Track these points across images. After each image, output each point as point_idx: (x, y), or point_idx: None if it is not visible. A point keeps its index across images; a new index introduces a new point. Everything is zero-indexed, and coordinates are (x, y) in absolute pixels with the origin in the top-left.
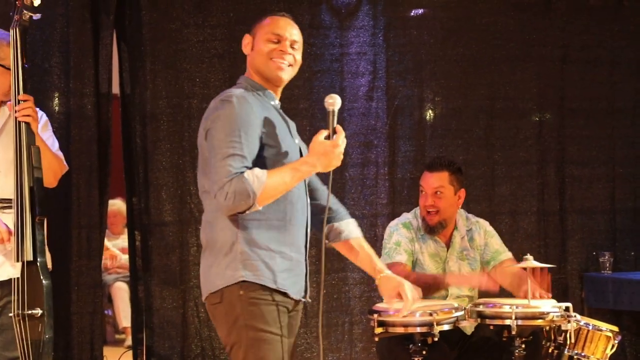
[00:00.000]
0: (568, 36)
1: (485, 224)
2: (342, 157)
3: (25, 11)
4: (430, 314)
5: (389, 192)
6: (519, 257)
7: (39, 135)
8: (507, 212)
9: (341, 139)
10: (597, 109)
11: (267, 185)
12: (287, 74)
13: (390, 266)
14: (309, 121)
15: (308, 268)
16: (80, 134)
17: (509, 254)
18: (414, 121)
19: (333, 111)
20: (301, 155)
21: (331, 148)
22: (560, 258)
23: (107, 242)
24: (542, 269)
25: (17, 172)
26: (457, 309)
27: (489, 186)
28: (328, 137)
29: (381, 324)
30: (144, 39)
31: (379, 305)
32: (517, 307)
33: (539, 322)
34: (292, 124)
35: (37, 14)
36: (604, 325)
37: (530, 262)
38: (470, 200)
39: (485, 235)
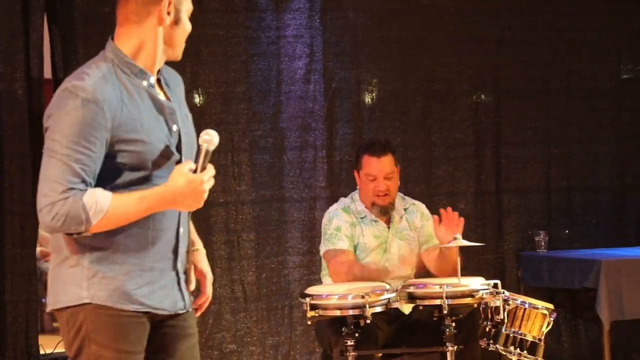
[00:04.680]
0: (504, 18)
1: (422, 206)
2: (205, 197)
3: None
4: (363, 297)
5: (327, 175)
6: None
7: None
8: (445, 193)
9: (208, 176)
10: (532, 90)
11: (107, 215)
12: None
13: (333, 254)
14: (247, 105)
15: (182, 276)
16: (12, 119)
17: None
18: (352, 104)
19: (207, 151)
20: (180, 144)
21: (196, 183)
22: (497, 238)
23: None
24: (452, 214)
25: None
26: (389, 291)
27: (426, 168)
28: (195, 172)
29: (314, 307)
30: (77, 22)
31: (312, 289)
32: (447, 287)
33: (469, 300)
34: (173, 107)
35: None
36: (539, 303)
37: (460, 241)
38: (409, 181)
39: (422, 217)
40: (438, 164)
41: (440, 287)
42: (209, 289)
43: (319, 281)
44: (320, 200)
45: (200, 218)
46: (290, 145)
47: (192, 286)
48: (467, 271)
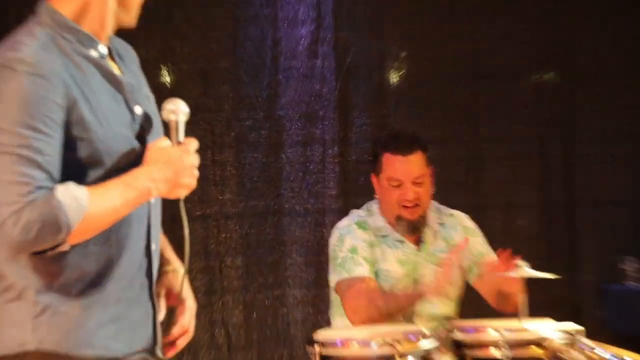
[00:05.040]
0: None
1: (463, 217)
2: (196, 175)
3: None
4: (391, 345)
5: (339, 180)
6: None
7: None
8: (497, 205)
9: (192, 146)
10: (618, 69)
11: (88, 216)
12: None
13: (349, 283)
14: (232, 85)
15: (156, 309)
16: None
17: (496, 259)
18: (373, 85)
19: (177, 123)
20: (144, 131)
21: (179, 154)
22: (570, 265)
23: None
24: (511, 256)
25: None
26: (427, 337)
27: (472, 171)
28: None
29: (325, 359)
30: None
31: (322, 333)
32: (506, 333)
33: (536, 350)
34: (131, 83)
35: None
36: (628, 355)
37: (523, 270)
38: (447, 190)
39: (465, 232)
40: (488, 166)
41: (498, 332)
42: (187, 320)
43: (329, 322)
44: (330, 213)
45: (167, 237)
46: (291, 141)
47: (161, 316)
48: (532, 310)
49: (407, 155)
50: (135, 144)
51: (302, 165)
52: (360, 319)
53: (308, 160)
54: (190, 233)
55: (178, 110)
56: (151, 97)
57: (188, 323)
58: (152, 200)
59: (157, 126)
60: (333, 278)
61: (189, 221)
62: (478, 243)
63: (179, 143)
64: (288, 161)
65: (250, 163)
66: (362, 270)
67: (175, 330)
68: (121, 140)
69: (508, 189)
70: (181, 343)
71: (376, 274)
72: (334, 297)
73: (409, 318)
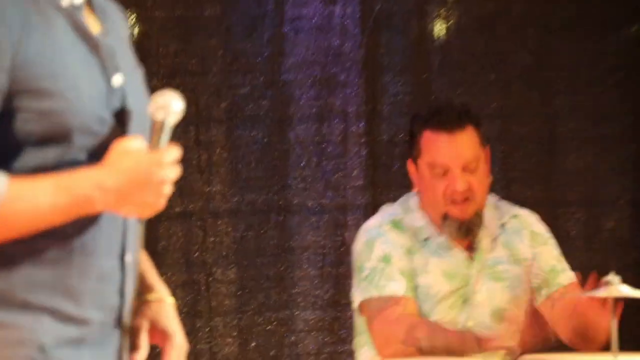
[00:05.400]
0: None
1: (530, 219)
2: (166, 193)
3: None
4: None
5: (366, 166)
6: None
7: None
8: (577, 201)
9: (171, 157)
10: None
11: (2, 210)
12: None
13: (380, 305)
14: (221, 40)
15: (126, 340)
16: None
17: (573, 276)
18: (410, 41)
19: (163, 124)
20: (125, 110)
21: (148, 164)
22: None
23: None
24: (617, 300)
25: None
26: None
27: (545, 156)
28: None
29: None
30: None
31: None
32: None
33: None
34: (112, 46)
35: None
36: None
37: (617, 287)
38: (512, 180)
39: (533, 239)
40: (566, 149)
41: None
42: None
43: (351, 355)
44: (354, 211)
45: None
46: (302, 114)
47: (142, 356)
48: (624, 343)
49: (455, 133)
50: (109, 125)
51: (316, 147)
52: (393, 354)
53: (324, 140)
54: (166, 236)
55: (168, 108)
56: (139, 69)
57: None
58: None
59: (144, 105)
60: (358, 297)
61: (165, 221)
62: (550, 255)
63: (156, 148)
64: (297, 141)
65: (246, 144)
66: (397, 286)
67: None
68: (89, 116)
69: (591, 181)
70: None
71: (414, 290)
72: (359, 322)
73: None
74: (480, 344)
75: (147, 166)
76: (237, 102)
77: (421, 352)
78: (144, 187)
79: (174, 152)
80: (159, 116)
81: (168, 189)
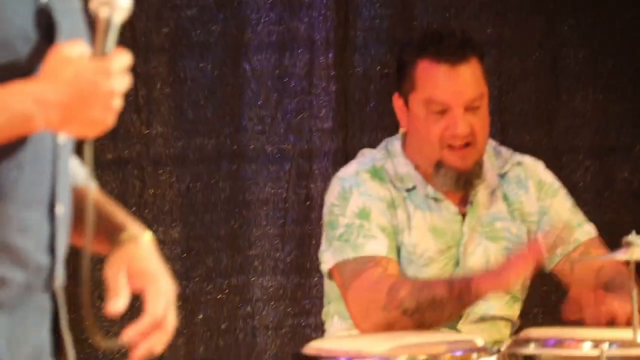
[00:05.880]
0: None
1: (536, 167)
2: (115, 107)
3: None
4: None
5: (336, 104)
6: (613, 239)
7: None
8: (587, 147)
9: (118, 64)
10: None
11: None
12: None
13: (357, 267)
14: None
15: (63, 307)
16: None
17: (592, 231)
18: None
19: (109, 22)
20: (53, 26)
21: (93, 72)
22: None
23: None
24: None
25: None
26: (482, 351)
27: (548, 96)
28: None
29: None
30: None
31: (316, 345)
32: (609, 347)
33: None
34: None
35: None
36: None
37: (637, 250)
38: (512, 124)
39: (540, 190)
40: (572, 87)
41: (597, 347)
42: (156, 306)
43: (320, 328)
44: (320, 158)
45: None
46: (259, 40)
47: (119, 305)
48: None
49: (457, 65)
50: (34, 38)
51: (276, 81)
52: (373, 322)
53: (286, 72)
54: (100, 186)
55: (114, 2)
56: None
57: (161, 311)
58: (61, 138)
59: (76, 21)
60: (329, 258)
61: (98, 168)
62: (562, 207)
63: (102, 54)
64: (254, 74)
65: (194, 77)
66: (378, 246)
67: (142, 324)
68: (10, 29)
69: (601, 123)
70: (156, 342)
71: (397, 250)
72: (330, 288)
73: (452, 322)
74: (474, 288)
75: (92, 75)
76: (181, 26)
77: (406, 313)
78: (89, 100)
79: (123, 58)
80: (103, 13)
81: (117, 103)
